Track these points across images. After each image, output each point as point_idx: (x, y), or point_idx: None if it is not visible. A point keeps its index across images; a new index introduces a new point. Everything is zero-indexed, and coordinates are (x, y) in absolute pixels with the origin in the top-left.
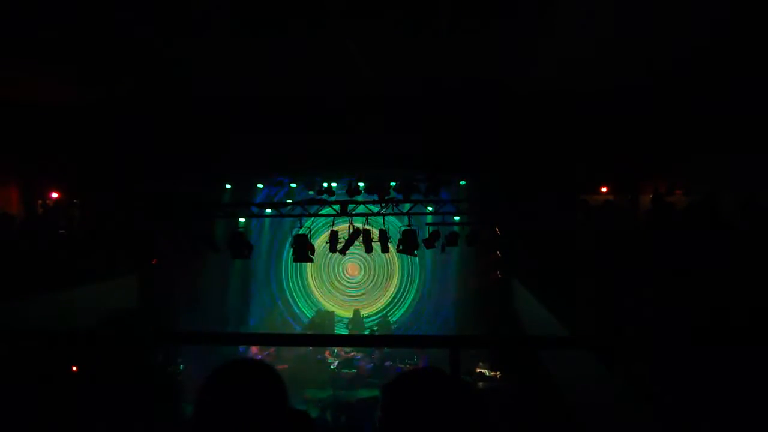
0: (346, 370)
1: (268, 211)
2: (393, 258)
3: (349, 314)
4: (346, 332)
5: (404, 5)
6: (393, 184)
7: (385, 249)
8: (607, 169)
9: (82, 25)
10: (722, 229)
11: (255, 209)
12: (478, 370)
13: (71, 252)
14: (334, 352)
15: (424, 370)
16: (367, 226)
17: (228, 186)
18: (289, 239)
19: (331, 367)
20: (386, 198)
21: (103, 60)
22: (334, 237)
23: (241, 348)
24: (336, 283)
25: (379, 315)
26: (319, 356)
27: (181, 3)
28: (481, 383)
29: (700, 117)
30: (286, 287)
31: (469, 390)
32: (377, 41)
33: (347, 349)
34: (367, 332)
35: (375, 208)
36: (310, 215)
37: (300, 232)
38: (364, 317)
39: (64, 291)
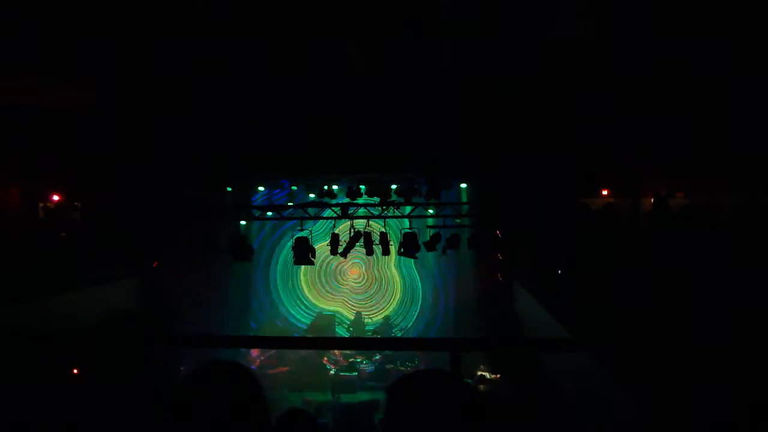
0: (347, 373)
1: (269, 213)
2: (393, 261)
3: (351, 316)
4: (347, 334)
5: (405, 4)
6: (394, 186)
7: (386, 252)
8: (607, 171)
9: (81, 26)
10: (722, 231)
11: (256, 212)
12: (479, 373)
13: (72, 254)
14: (332, 359)
15: (428, 371)
16: (368, 229)
17: (229, 189)
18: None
19: (332, 372)
20: (387, 200)
21: (102, 61)
22: (335, 240)
23: (242, 350)
24: (337, 286)
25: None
26: (319, 359)
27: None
28: (481, 386)
29: (701, 118)
30: (287, 290)
31: (472, 392)
32: (377, 40)
33: (348, 354)
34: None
35: (376, 211)
36: (311, 218)
37: (301, 235)
38: (367, 323)
39: (65, 293)
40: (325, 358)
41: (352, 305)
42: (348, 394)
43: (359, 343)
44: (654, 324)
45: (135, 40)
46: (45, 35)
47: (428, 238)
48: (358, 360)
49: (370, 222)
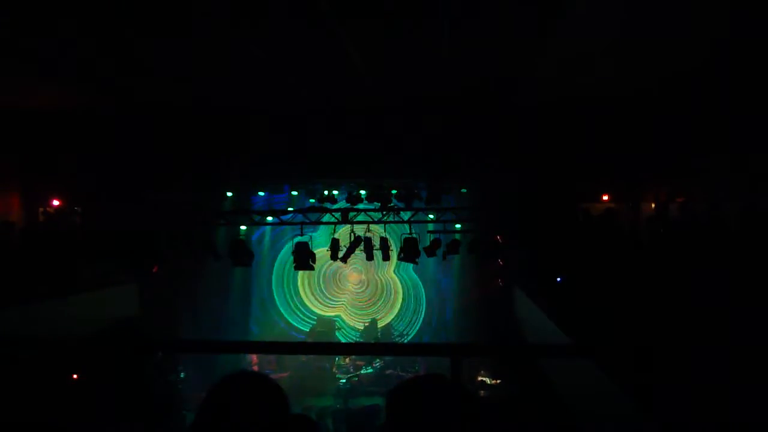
0: (355, 379)
1: (270, 218)
2: (393, 266)
3: (351, 321)
4: (351, 340)
5: (405, 6)
6: (394, 192)
7: (386, 257)
8: (608, 176)
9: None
10: (722, 235)
11: (256, 217)
12: (480, 378)
13: (72, 259)
14: (342, 368)
15: (426, 377)
16: (368, 234)
17: (229, 194)
18: (290, 246)
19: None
20: (388, 206)
21: (102, 63)
22: (335, 245)
23: (241, 356)
24: (338, 291)
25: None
26: (321, 364)
27: (178, 3)
28: (482, 391)
29: (702, 123)
30: (287, 295)
31: (472, 397)
32: (377, 45)
33: (360, 368)
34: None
35: (376, 216)
36: (312, 223)
37: (301, 240)
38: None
39: (65, 299)
40: (335, 368)
41: (352, 310)
42: (348, 399)
43: (360, 348)
44: (654, 328)
45: (136, 40)
46: (45, 37)
47: (428, 244)
48: (361, 366)
49: (371, 227)
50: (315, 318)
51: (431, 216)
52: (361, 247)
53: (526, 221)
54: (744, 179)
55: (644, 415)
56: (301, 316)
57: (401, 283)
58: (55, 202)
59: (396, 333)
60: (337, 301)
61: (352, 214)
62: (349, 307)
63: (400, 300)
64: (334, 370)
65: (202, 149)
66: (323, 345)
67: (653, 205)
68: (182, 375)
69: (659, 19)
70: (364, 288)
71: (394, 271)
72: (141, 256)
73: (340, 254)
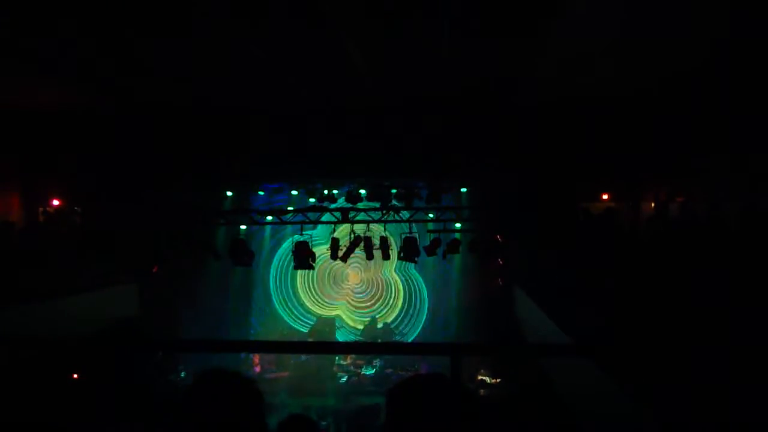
0: (355, 378)
1: (269, 218)
2: (394, 265)
3: (351, 321)
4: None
5: (405, 6)
6: (394, 191)
7: (386, 256)
8: (608, 176)
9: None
10: (722, 235)
11: (256, 216)
12: (480, 378)
13: (72, 259)
14: (343, 367)
15: (426, 375)
16: (368, 233)
17: (229, 193)
18: (289, 245)
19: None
20: (387, 205)
21: (102, 63)
22: (335, 244)
23: (242, 355)
24: (338, 290)
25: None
26: (321, 364)
27: (178, 3)
28: (482, 391)
29: (702, 123)
30: (287, 294)
31: (472, 396)
32: (377, 45)
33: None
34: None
35: (376, 215)
36: (311, 222)
37: (301, 239)
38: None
39: (65, 299)
40: (336, 367)
41: (352, 310)
42: (348, 398)
43: (360, 348)
44: (655, 328)
45: (136, 40)
46: (45, 37)
47: (428, 243)
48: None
49: (370, 226)
50: (315, 318)
51: (431, 215)
52: (361, 246)
53: (526, 221)
54: (744, 179)
55: (644, 415)
56: (300, 315)
57: (401, 282)
58: (55, 202)
59: (396, 332)
60: (337, 301)
61: (352, 213)
62: (349, 307)
63: (400, 299)
64: (334, 369)
65: (202, 149)
66: (323, 345)
67: (653, 205)
68: (182, 375)
69: (659, 19)
70: (364, 287)
71: (394, 271)
72: (141, 256)
73: (340, 253)
